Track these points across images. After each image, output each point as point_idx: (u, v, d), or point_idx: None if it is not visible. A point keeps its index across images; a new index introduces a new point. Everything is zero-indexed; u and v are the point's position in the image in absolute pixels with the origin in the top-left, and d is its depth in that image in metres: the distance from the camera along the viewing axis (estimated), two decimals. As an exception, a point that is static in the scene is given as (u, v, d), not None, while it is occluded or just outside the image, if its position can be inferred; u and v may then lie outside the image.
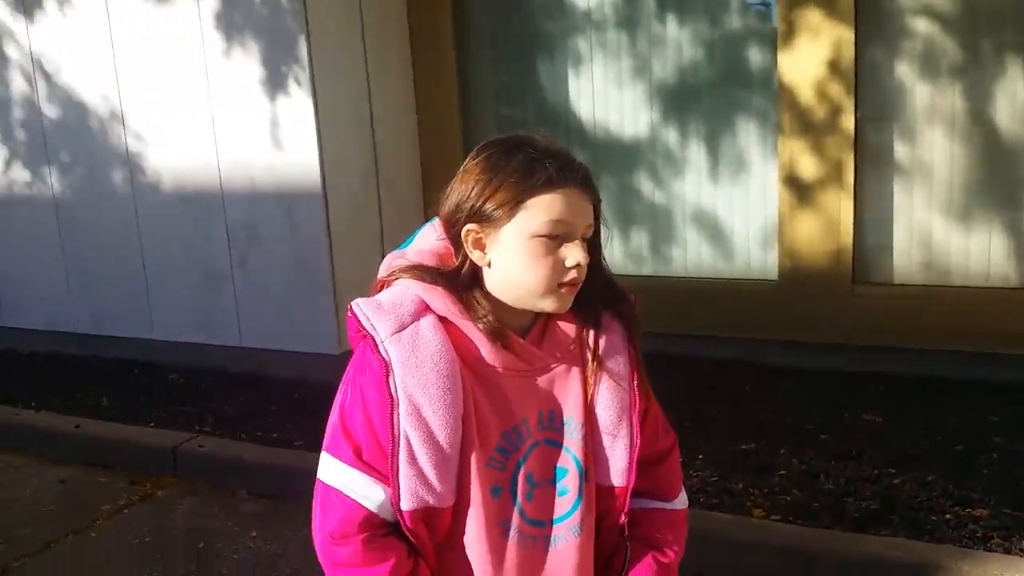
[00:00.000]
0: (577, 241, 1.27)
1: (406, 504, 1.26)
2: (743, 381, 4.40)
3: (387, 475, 1.26)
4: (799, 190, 4.55)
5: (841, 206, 4.50)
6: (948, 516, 3.00)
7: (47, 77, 5.22)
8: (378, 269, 1.41)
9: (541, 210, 1.24)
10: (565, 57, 5.07)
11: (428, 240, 1.39)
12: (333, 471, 1.30)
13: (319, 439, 4.16)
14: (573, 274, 1.27)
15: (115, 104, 5.02)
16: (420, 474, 1.25)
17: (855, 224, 4.51)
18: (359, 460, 1.28)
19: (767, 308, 4.66)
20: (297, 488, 3.58)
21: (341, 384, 1.35)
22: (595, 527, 1.41)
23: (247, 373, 4.85)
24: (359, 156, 4.82)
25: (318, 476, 1.33)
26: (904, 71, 4.38)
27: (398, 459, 1.25)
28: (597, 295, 1.36)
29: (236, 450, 3.94)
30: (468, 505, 1.30)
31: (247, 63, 4.60)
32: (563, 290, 1.28)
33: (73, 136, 5.22)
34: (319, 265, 4.61)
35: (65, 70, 5.15)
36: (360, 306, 1.29)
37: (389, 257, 1.41)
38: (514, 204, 1.24)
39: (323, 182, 4.53)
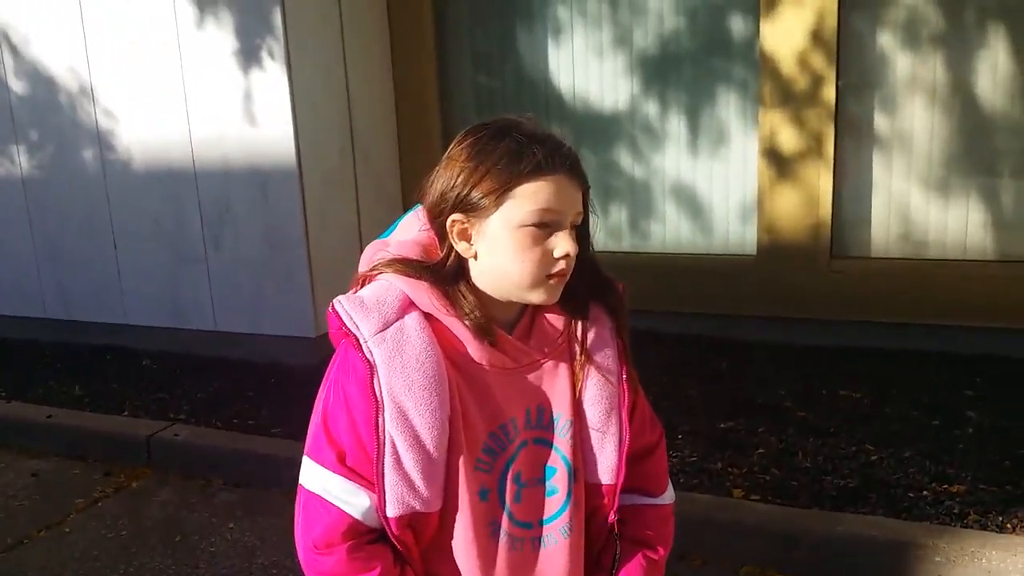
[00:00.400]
0: (566, 230, 1.23)
1: (392, 511, 1.22)
2: (721, 357, 4.41)
3: (372, 481, 1.22)
4: (779, 163, 4.53)
5: (820, 179, 4.48)
6: (925, 492, 3.03)
7: (14, 50, 5.07)
8: (357, 251, 1.36)
9: (529, 198, 1.20)
10: (544, 27, 4.99)
11: (411, 229, 1.34)
12: (316, 477, 1.26)
13: (296, 426, 4.11)
14: (562, 265, 1.23)
15: (84, 78, 4.89)
16: (406, 479, 1.21)
17: (834, 197, 4.50)
18: (343, 466, 1.24)
19: (745, 283, 4.66)
20: (274, 476, 3.59)
21: (322, 384, 1.31)
22: (584, 525, 1.39)
23: (222, 358, 4.77)
24: (335, 131, 4.74)
25: (300, 482, 1.29)
26: (887, 40, 4.35)
27: (383, 464, 1.21)
28: (584, 286, 1.32)
29: (211, 439, 3.88)
30: (455, 509, 1.27)
31: (220, 34, 4.49)
32: (552, 281, 1.24)
33: (41, 112, 5.08)
34: (294, 245, 4.53)
35: (33, 43, 5.01)
36: (342, 304, 1.25)
37: (370, 248, 1.36)
38: (501, 192, 1.20)
39: (298, 158, 4.44)
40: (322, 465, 1.26)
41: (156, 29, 4.61)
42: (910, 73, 4.34)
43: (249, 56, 4.48)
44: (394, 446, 1.21)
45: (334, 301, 1.26)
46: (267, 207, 4.57)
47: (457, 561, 1.30)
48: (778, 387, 3.99)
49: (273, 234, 4.59)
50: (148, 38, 4.65)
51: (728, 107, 4.72)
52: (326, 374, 1.30)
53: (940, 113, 4.33)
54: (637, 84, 4.86)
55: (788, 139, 4.49)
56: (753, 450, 3.42)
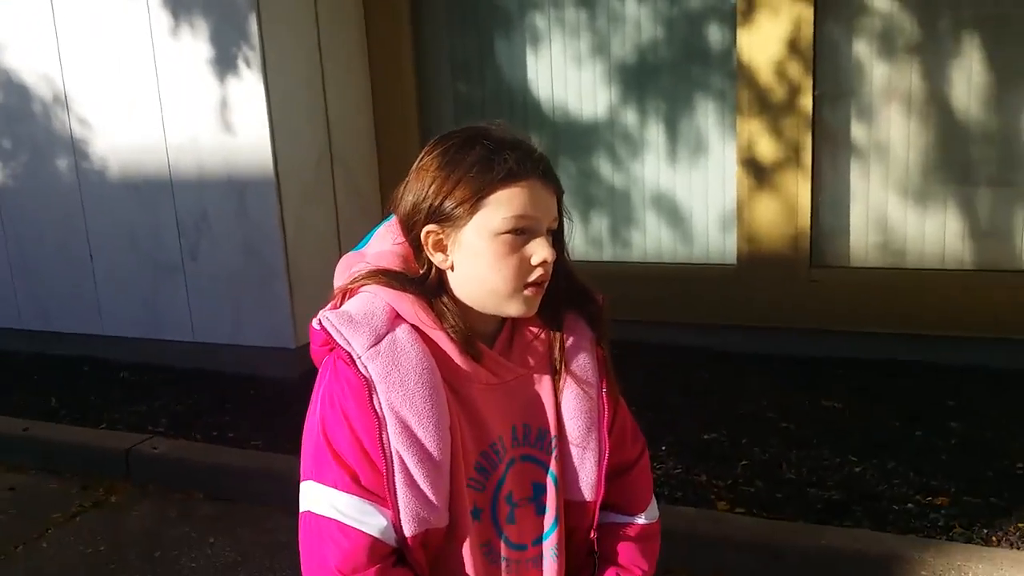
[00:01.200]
0: (542, 237, 1.21)
1: (409, 529, 1.18)
2: (703, 368, 4.40)
3: (386, 499, 1.18)
4: (757, 172, 4.54)
5: (799, 188, 4.49)
6: (910, 505, 3.03)
7: (-14, 59, 4.99)
8: (336, 261, 1.32)
9: (504, 205, 1.18)
10: (523, 35, 4.98)
11: (386, 240, 1.30)
12: (327, 500, 1.19)
13: (276, 438, 4.04)
14: (539, 272, 1.21)
15: (58, 86, 4.82)
16: (420, 495, 1.18)
17: (813, 207, 4.52)
18: (357, 486, 1.18)
19: (726, 293, 4.66)
20: (255, 490, 3.54)
21: (312, 404, 1.25)
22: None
23: (199, 369, 4.72)
24: (312, 139, 4.70)
25: (306, 508, 1.22)
26: (862, 49, 4.38)
27: (395, 481, 1.17)
28: (562, 295, 1.29)
29: (191, 452, 3.83)
30: (456, 526, 1.24)
31: (195, 42, 4.44)
32: (528, 292, 1.22)
33: (15, 120, 5.00)
34: (273, 254, 4.48)
35: (6, 50, 4.93)
36: (330, 320, 1.20)
37: (346, 259, 1.32)
38: (475, 201, 1.18)
39: (275, 166, 4.40)
40: (334, 487, 1.19)
41: (131, 36, 4.56)
42: (886, 82, 4.36)
43: (225, 64, 4.43)
44: (402, 462, 1.17)
45: (320, 317, 1.22)
46: (245, 216, 4.52)
47: None
48: (761, 398, 3.99)
49: (251, 243, 4.54)
50: (123, 46, 4.59)
51: (706, 116, 4.72)
52: (315, 393, 1.26)
53: (916, 122, 4.36)
54: (616, 93, 4.85)
55: (766, 148, 4.50)
56: (737, 462, 3.41)
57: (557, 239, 1.25)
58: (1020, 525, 2.87)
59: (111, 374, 4.86)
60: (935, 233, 4.44)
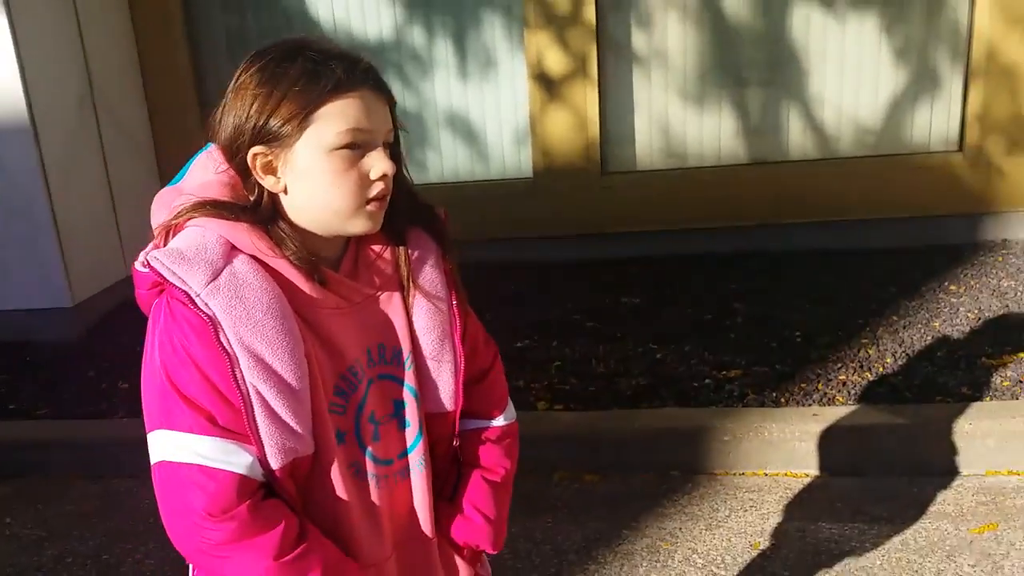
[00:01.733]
0: (380, 149, 1.16)
1: (276, 461, 1.15)
2: (509, 280, 4.50)
3: (247, 435, 1.14)
4: (548, 86, 4.62)
5: (587, 99, 4.62)
6: (708, 381, 3.27)
7: None
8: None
9: (335, 119, 1.12)
10: (294, -43, 4.73)
11: (207, 171, 1.22)
12: (182, 446, 1.13)
13: (64, 404, 3.72)
14: (380, 186, 1.16)
15: None
16: (282, 426, 1.15)
17: (601, 116, 4.67)
18: (215, 427, 1.13)
19: (524, 206, 4.76)
20: (48, 462, 3.27)
21: (148, 351, 1.17)
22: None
23: (-40, 340, 4.24)
24: (71, 80, 4.27)
25: (160, 458, 1.14)
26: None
27: (255, 416, 1.13)
28: (403, 210, 1.26)
29: None
30: (321, 451, 1.21)
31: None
32: (371, 207, 1.17)
33: None
34: (37, 208, 4.06)
35: None
36: (159, 259, 1.12)
37: (162, 195, 1.23)
38: (303, 116, 1.11)
39: (30, 112, 3.96)
40: (190, 432, 1.12)
41: None
42: (661, -9, 4.53)
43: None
44: (260, 395, 1.13)
45: (147, 256, 1.13)
46: (1, 172, 4.06)
47: (325, 504, 1.24)
48: (566, 301, 4.13)
49: (10, 198, 4.09)
50: None
51: (494, 32, 4.72)
52: (149, 338, 1.17)
53: (692, 29, 4.57)
54: (399, 13, 4.74)
55: (555, 62, 4.58)
56: (551, 364, 3.53)
57: (394, 152, 1.21)
58: (803, 385, 3.17)
59: None
60: (711, 133, 4.72)
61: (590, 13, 4.50)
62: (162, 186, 1.29)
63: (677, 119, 4.72)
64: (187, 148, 1.30)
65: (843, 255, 4.43)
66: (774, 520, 2.69)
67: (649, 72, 4.69)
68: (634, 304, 4.06)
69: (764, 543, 2.59)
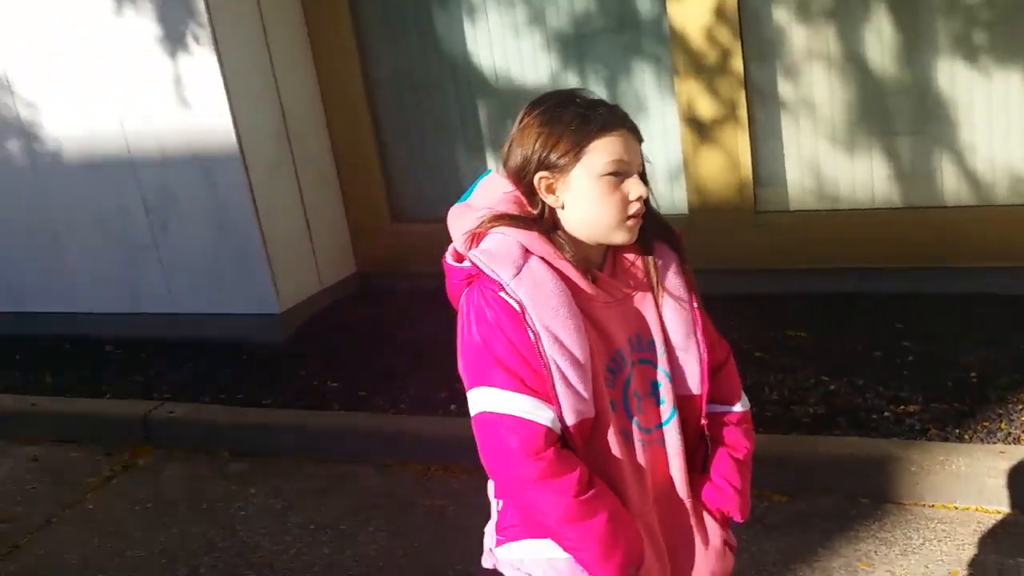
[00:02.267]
0: (635, 177, 1.48)
1: (570, 419, 1.45)
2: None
3: (551, 398, 1.43)
4: (699, 129, 4.81)
5: (739, 142, 4.79)
6: (886, 414, 3.35)
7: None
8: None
9: (603, 152, 1.45)
10: (459, 6, 5.06)
11: (494, 191, 1.54)
12: (502, 400, 1.44)
13: (285, 396, 4.15)
14: (637, 206, 1.48)
15: (-1, 71, 4.67)
16: (575, 392, 1.45)
17: (752, 158, 4.82)
18: (526, 387, 1.44)
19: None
20: (279, 445, 3.66)
21: (465, 327, 1.48)
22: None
23: (186, 339, 4.76)
24: (268, 113, 4.71)
25: (481, 409, 1.45)
26: (782, 15, 4.67)
27: (554, 383, 1.43)
28: (650, 228, 1.56)
29: (209, 414, 3.93)
30: (600, 416, 1.49)
31: (141, 20, 4.35)
32: (630, 222, 1.49)
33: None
34: (247, 227, 4.54)
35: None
36: (478, 256, 1.44)
37: (457, 210, 1.55)
38: (578, 150, 1.45)
39: (239, 142, 4.43)
40: (507, 389, 1.43)
41: (70, 17, 4.44)
42: (806, 43, 4.68)
43: (174, 41, 4.36)
44: (558, 367, 1.42)
45: (469, 255, 1.45)
46: (212, 192, 4.57)
47: (605, 462, 1.51)
48: (730, 332, 4.20)
49: (222, 218, 4.59)
50: (64, 27, 4.49)
51: (643, 81, 4.94)
52: (463, 318, 1.48)
53: (836, 78, 4.70)
54: (555, 61, 5.01)
55: (705, 107, 4.76)
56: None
57: (644, 180, 1.51)
58: (986, 424, 3.22)
59: (96, 349, 4.85)
60: (864, 177, 4.81)
61: (737, 63, 4.68)
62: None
63: (828, 163, 4.83)
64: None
65: (1005, 301, 4.43)
66: (970, 551, 2.74)
67: (798, 118, 4.83)
68: (800, 337, 4.16)
69: (962, 572, 2.65)
